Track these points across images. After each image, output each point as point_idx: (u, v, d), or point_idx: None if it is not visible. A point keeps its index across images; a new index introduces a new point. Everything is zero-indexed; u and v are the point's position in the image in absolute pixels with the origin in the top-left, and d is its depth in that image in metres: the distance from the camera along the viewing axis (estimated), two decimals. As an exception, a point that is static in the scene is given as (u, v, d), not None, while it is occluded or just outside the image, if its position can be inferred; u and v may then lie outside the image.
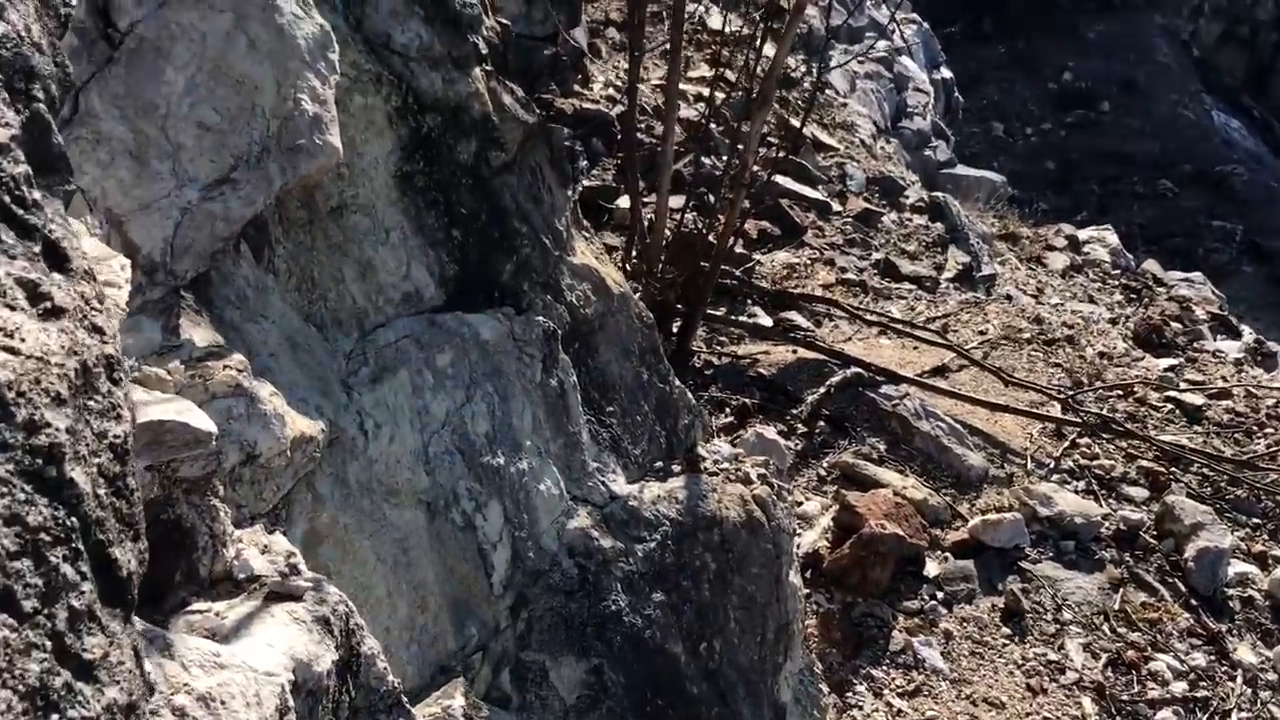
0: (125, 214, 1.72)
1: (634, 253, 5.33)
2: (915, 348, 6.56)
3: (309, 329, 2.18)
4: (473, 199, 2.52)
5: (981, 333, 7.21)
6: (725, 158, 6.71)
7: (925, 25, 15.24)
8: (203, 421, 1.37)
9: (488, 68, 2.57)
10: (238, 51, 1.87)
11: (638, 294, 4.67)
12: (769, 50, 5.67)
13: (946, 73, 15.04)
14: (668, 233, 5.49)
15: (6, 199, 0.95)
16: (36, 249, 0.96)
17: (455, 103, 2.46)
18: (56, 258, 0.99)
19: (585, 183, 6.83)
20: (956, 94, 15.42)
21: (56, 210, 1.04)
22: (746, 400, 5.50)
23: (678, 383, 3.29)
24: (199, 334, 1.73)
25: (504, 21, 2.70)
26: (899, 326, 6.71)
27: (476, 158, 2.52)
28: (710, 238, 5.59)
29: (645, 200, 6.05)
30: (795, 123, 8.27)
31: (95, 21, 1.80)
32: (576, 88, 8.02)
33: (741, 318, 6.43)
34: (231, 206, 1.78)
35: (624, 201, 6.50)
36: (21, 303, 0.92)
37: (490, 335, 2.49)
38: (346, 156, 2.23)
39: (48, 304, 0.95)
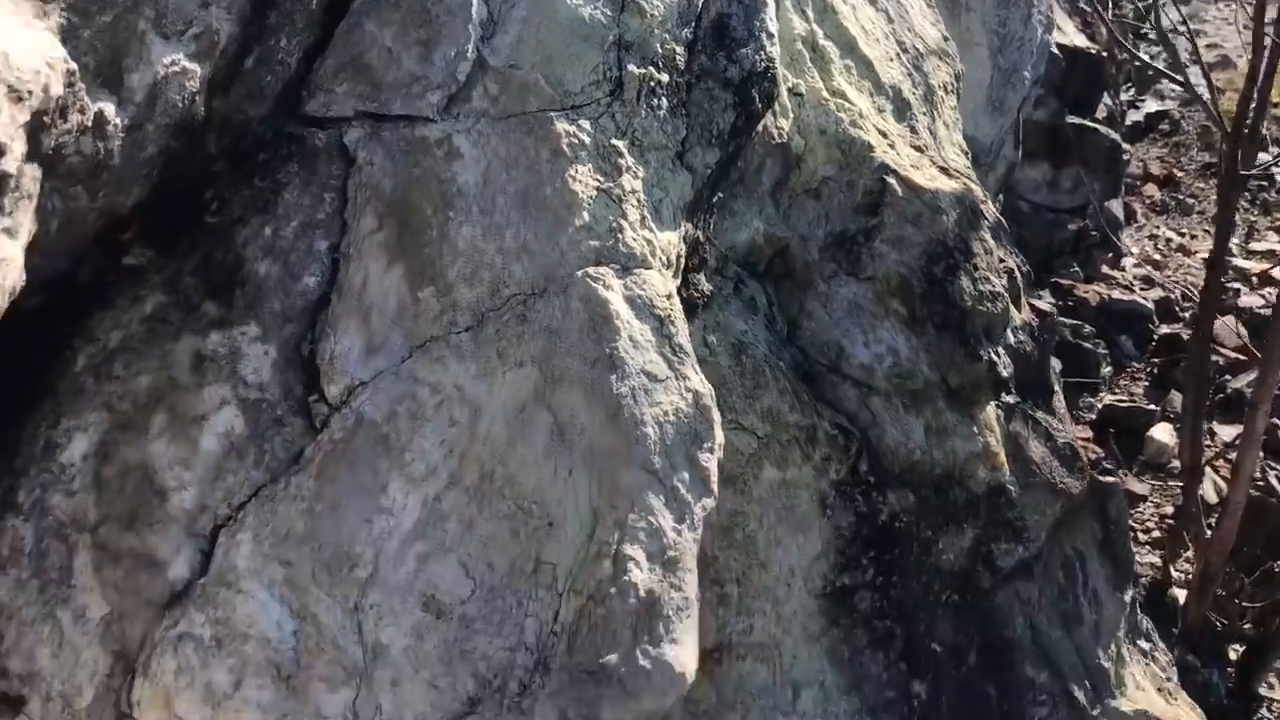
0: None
1: (1184, 530, 3.87)
2: None
3: None
4: (955, 627, 1.46)
5: None
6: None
7: None
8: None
9: (1009, 398, 1.52)
10: (531, 446, 1.00)
11: (1185, 603, 3.29)
12: None
13: None
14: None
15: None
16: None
17: (944, 468, 1.43)
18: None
19: (1106, 397, 5.40)
20: None
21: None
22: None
23: None
24: None
25: (1045, 309, 1.63)
26: None
27: (971, 557, 1.47)
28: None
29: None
30: None
31: (285, 382, 0.94)
32: (1105, 268, 6.61)
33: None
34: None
35: (1162, 434, 4.97)
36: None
37: None
38: (741, 566, 1.29)
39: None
